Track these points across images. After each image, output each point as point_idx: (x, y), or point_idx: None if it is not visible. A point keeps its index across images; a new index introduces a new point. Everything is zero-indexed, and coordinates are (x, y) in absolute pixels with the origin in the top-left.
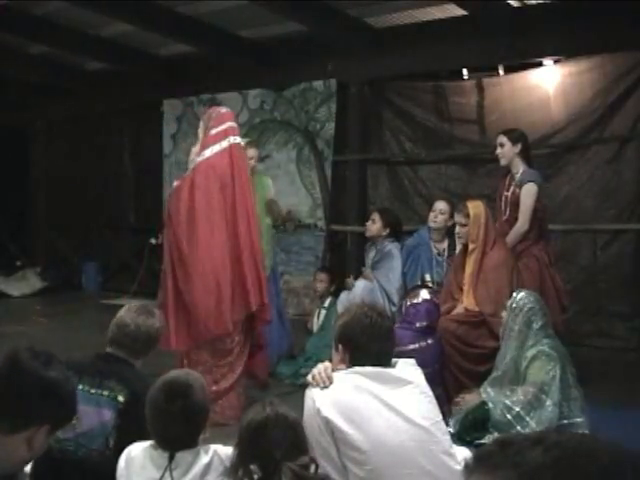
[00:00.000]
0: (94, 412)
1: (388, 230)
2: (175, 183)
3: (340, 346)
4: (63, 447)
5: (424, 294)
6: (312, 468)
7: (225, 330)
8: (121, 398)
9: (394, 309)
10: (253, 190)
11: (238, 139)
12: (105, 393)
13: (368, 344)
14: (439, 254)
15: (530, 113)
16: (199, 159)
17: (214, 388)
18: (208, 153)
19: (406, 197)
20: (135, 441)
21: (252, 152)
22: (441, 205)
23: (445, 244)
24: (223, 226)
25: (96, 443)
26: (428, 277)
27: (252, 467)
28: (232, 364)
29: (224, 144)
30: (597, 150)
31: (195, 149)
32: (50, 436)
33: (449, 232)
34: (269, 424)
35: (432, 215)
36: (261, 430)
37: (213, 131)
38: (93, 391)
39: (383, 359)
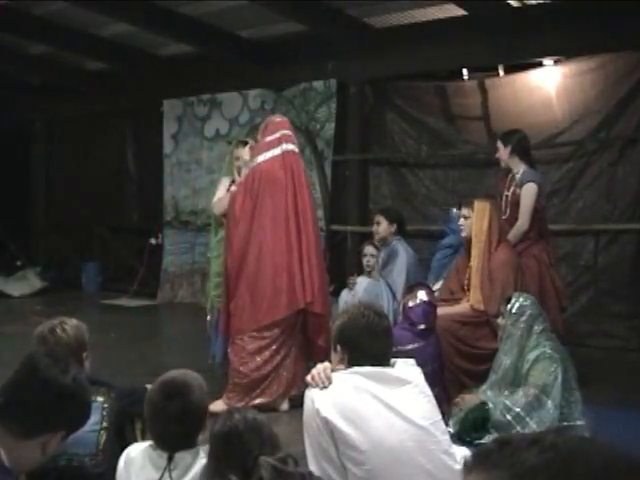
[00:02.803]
0: None
1: (395, 226)
2: (233, 187)
3: (338, 347)
4: (57, 465)
5: (422, 295)
6: (291, 463)
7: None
8: (100, 398)
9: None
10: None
11: (291, 146)
12: None
13: (366, 344)
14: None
15: (533, 114)
16: (252, 164)
17: (255, 375)
18: (261, 159)
19: (410, 197)
20: (127, 434)
21: (241, 152)
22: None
23: None
24: (270, 227)
25: (88, 448)
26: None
27: (231, 477)
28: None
29: (277, 151)
30: (600, 151)
31: (245, 152)
32: (64, 440)
33: None
34: (239, 429)
35: None
36: (233, 437)
37: (267, 139)
38: None
39: (382, 358)
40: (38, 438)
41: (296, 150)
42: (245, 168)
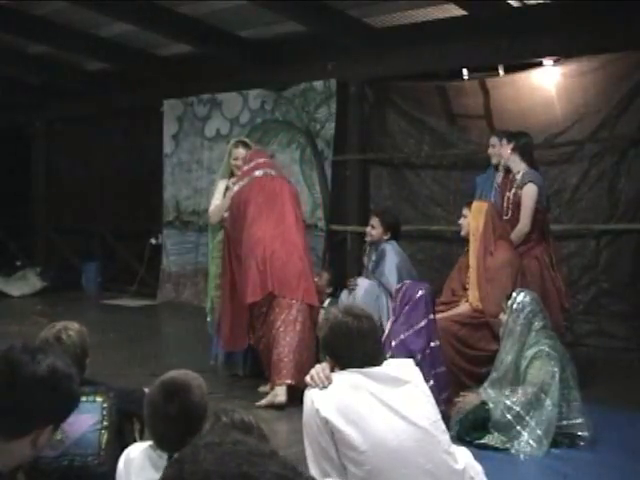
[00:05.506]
0: (77, 421)
1: (389, 234)
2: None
3: (327, 357)
4: (59, 466)
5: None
6: None
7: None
8: (99, 399)
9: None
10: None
11: (264, 171)
12: (83, 399)
13: (351, 349)
14: (498, 186)
15: (533, 114)
16: (231, 192)
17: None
18: (237, 188)
19: (411, 198)
20: (126, 434)
21: (239, 152)
22: (492, 141)
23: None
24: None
25: (90, 448)
26: None
27: None
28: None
29: (254, 174)
30: (601, 151)
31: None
32: (54, 432)
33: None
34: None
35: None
36: None
37: (244, 168)
38: None
39: (371, 359)
40: (26, 437)
41: (272, 173)
42: (229, 192)
